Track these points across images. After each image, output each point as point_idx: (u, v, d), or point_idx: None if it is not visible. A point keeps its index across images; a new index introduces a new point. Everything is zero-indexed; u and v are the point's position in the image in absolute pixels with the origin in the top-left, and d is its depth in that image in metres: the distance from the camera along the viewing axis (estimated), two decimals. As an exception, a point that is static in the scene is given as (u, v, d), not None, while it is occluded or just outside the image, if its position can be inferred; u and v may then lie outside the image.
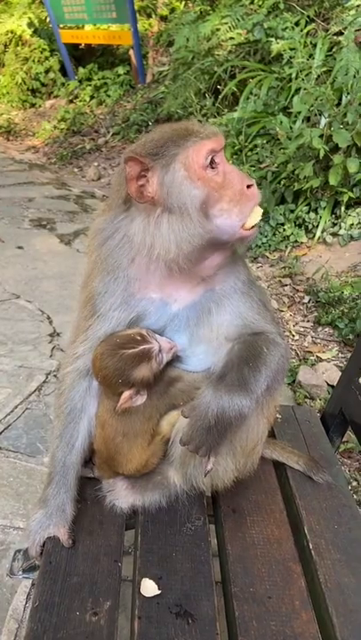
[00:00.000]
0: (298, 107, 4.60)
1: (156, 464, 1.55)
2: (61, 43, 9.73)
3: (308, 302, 4.10)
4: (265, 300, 1.52)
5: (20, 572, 1.55)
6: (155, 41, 9.47)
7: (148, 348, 1.37)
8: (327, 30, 5.34)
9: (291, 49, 5.00)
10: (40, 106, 10.59)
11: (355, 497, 2.52)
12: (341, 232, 4.50)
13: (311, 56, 5.05)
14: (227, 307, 1.43)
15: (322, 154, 4.19)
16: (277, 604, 1.33)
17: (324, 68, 4.88)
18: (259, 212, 1.30)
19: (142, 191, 1.25)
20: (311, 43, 5.17)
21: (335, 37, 5.17)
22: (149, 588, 1.33)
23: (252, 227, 1.29)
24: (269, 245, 4.81)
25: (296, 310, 4.06)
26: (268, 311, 1.50)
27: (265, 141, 5.18)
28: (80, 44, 10.15)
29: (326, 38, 5.14)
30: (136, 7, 8.95)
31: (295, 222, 4.72)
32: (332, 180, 4.22)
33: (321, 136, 4.21)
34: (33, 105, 10.64)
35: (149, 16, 9.95)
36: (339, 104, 4.48)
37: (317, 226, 4.59)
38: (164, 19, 9.65)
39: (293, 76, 5.07)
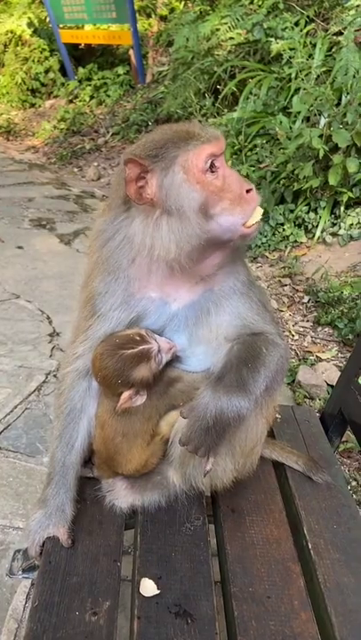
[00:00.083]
0: (297, 107, 4.61)
1: (156, 464, 1.55)
2: (61, 43, 9.73)
3: (308, 302, 4.10)
4: (264, 300, 1.53)
5: (20, 572, 1.56)
6: (154, 41, 9.47)
7: (148, 348, 1.37)
8: (327, 30, 5.34)
9: (290, 49, 5.00)
10: (40, 106, 10.59)
11: (354, 497, 2.52)
12: (341, 232, 4.50)
13: (311, 56, 5.05)
14: (226, 307, 1.43)
15: (321, 154, 4.19)
16: (276, 604, 1.33)
17: (324, 68, 4.88)
18: (259, 211, 1.31)
19: (141, 193, 1.25)
20: (311, 43, 5.17)
21: (335, 37, 5.17)
22: (149, 587, 1.33)
23: (254, 224, 1.29)
24: (269, 245, 4.82)
25: (296, 310, 4.07)
26: (267, 311, 1.50)
27: (265, 141, 5.18)
28: (80, 44, 10.15)
29: (326, 38, 5.14)
30: (136, 7, 8.95)
31: (295, 222, 4.72)
32: (332, 180, 4.22)
33: (321, 136, 4.21)
34: (33, 105, 10.64)
35: (149, 16, 9.95)
36: (338, 104, 4.48)
37: (317, 226, 4.59)
38: (163, 19, 9.65)
39: (293, 75, 5.08)
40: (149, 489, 1.56)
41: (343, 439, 2.42)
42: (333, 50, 5.09)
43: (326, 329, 3.77)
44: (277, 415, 1.95)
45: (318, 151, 4.18)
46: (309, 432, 1.95)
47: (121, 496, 1.54)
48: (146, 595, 1.32)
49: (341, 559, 1.45)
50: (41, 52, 10.26)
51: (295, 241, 4.70)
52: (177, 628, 1.25)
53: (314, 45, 5.12)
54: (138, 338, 1.38)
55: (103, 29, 9.53)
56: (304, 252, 4.62)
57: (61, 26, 9.62)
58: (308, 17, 5.57)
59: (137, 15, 9.07)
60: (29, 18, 10.62)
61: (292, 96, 5.02)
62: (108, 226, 1.40)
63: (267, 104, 5.40)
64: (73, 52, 10.11)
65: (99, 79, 9.77)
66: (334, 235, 4.56)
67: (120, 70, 9.63)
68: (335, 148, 4.23)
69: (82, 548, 1.44)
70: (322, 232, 4.58)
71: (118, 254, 1.39)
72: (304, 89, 4.66)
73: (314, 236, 4.61)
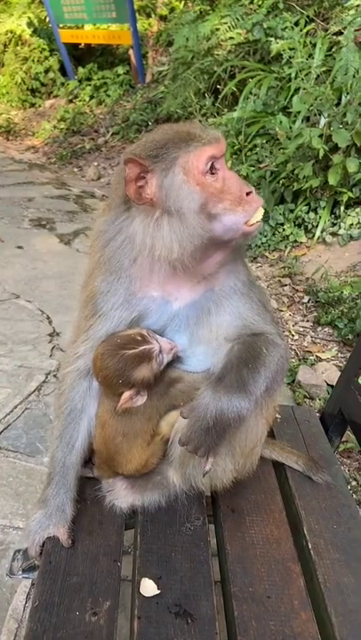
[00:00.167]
0: (297, 106, 4.60)
1: (156, 464, 1.55)
2: (61, 42, 9.73)
3: (308, 302, 4.10)
4: (265, 300, 1.53)
5: (20, 572, 1.56)
6: (154, 41, 9.47)
7: (149, 348, 1.37)
8: (327, 30, 5.34)
9: (290, 49, 5.00)
10: (40, 105, 10.59)
11: (354, 497, 2.52)
12: (341, 232, 4.50)
13: (311, 56, 5.05)
14: (226, 307, 1.44)
15: (321, 153, 4.19)
16: (276, 604, 1.34)
17: (324, 68, 4.88)
18: (261, 211, 1.31)
19: (141, 193, 1.25)
20: (311, 42, 5.17)
21: (335, 37, 5.17)
22: (149, 587, 1.33)
23: (255, 223, 1.30)
24: (269, 245, 4.82)
25: (296, 310, 4.07)
26: (267, 312, 1.50)
27: (264, 141, 5.18)
28: (80, 44, 10.15)
29: (326, 38, 5.14)
30: (136, 7, 8.95)
31: (295, 222, 4.72)
32: (332, 180, 4.22)
33: (320, 136, 4.21)
34: (33, 105, 10.64)
35: (149, 16, 9.95)
36: (338, 104, 4.48)
37: (317, 226, 4.59)
38: (163, 18, 9.65)
39: (293, 75, 5.08)
40: (149, 489, 1.56)
41: (343, 439, 2.42)
42: (333, 50, 5.09)
43: (326, 329, 3.77)
44: (277, 415, 1.96)
45: (318, 151, 4.18)
46: (309, 432, 1.95)
47: (121, 496, 1.54)
48: (146, 595, 1.32)
49: (341, 559, 1.45)
50: (41, 52, 10.26)
51: (295, 241, 4.70)
52: (177, 627, 1.25)
53: (314, 45, 5.12)
54: (139, 338, 1.38)
55: (103, 29, 9.53)
56: (304, 252, 4.62)
57: (61, 25, 9.62)
58: (307, 17, 5.57)
59: (137, 15, 9.08)
60: (29, 17, 10.63)
61: (292, 96, 5.01)
62: (110, 226, 1.40)
63: (267, 104, 5.40)
64: (73, 52, 10.11)
65: (99, 79, 9.77)
66: (334, 234, 4.56)
67: (120, 70, 9.64)
68: (335, 148, 4.23)
69: (82, 548, 1.44)
70: (322, 232, 4.58)
71: (120, 254, 1.39)
72: (304, 89, 4.66)
73: (314, 235, 4.61)
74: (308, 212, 4.66)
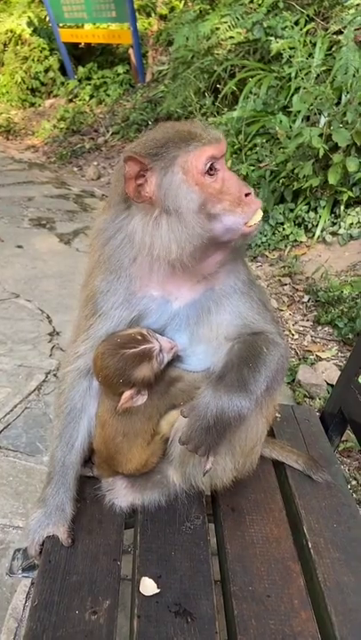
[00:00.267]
0: (297, 106, 4.60)
1: (156, 463, 1.55)
2: (61, 42, 9.72)
3: (308, 301, 4.10)
4: (265, 299, 1.52)
5: (20, 571, 1.56)
6: (154, 40, 9.46)
7: (149, 347, 1.37)
8: (327, 29, 5.33)
9: (290, 48, 5.00)
10: (40, 105, 10.59)
11: (354, 496, 2.52)
12: (341, 231, 4.50)
13: (311, 55, 5.05)
14: (226, 306, 1.43)
15: (321, 153, 4.19)
16: (276, 603, 1.33)
17: (324, 67, 4.88)
18: (259, 213, 1.31)
19: (140, 191, 1.25)
20: (311, 42, 5.17)
21: (335, 36, 5.17)
22: (149, 586, 1.33)
23: (254, 224, 1.29)
24: (269, 244, 4.81)
25: (296, 309, 4.07)
26: (267, 311, 1.50)
27: (264, 140, 5.18)
28: (80, 43, 10.14)
29: (326, 37, 5.14)
30: (136, 6, 8.95)
31: (295, 221, 4.72)
32: (332, 180, 4.22)
33: (320, 135, 4.21)
34: (32, 104, 10.63)
35: (149, 15, 9.95)
36: (338, 103, 4.48)
37: (317, 225, 4.59)
38: (163, 18, 9.64)
39: (293, 75, 5.07)
40: (149, 488, 1.56)
41: (343, 438, 2.42)
42: (333, 49, 5.08)
43: (326, 328, 3.77)
44: (277, 414, 1.95)
45: (318, 150, 4.18)
46: (309, 431, 1.95)
47: (121, 495, 1.54)
48: (146, 594, 1.32)
49: (341, 558, 1.45)
50: (41, 52, 10.26)
51: (295, 240, 4.70)
52: (177, 626, 1.25)
53: (314, 44, 5.12)
54: (139, 337, 1.38)
55: (103, 28, 9.52)
56: (304, 252, 4.61)
57: (61, 25, 9.62)
58: (307, 16, 5.57)
59: (137, 14, 9.07)
60: (29, 17, 10.62)
61: (292, 95, 5.01)
62: (109, 224, 1.39)
63: (267, 103, 5.39)
64: (73, 52, 10.11)
65: (98, 78, 9.76)
66: (334, 234, 4.56)
67: (120, 69, 9.63)
68: (335, 148, 4.22)
69: (82, 547, 1.44)
70: (322, 231, 4.57)
71: (120, 253, 1.38)
72: (304, 88, 4.66)
73: (314, 235, 4.61)
74: (308, 212, 4.66)
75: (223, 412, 1.31)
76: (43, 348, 3.59)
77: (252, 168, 4.97)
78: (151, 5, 9.94)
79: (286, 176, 4.67)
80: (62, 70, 10.31)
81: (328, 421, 2.00)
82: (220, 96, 6.31)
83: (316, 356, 3.52)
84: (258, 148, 5.15)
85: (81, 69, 10.00)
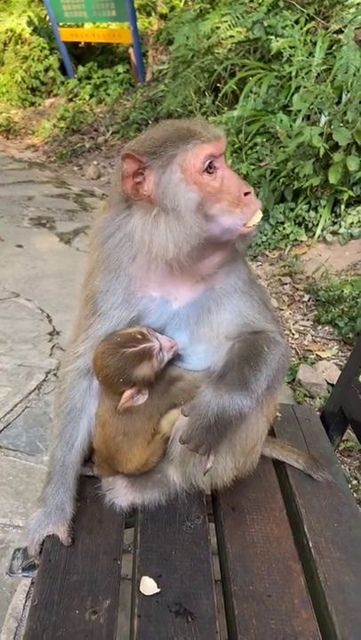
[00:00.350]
0: (298, 105, 4.60)
1: (156, 462, 1.55)
2: (61, 41, 9.72)
3: (308, 301, 4.10)
4: (265, 298, 1.52)
5: (20, 571, 1.56)
6: (154, 39, 9.46)
7: (149, 346, 1.37)
8: (327, 28, 5.33)
9: (291, 47, 4.99)
10: (40, 104, 10.59)
11: (355, 495, 2.52)
12: (341, 230, 4.50)
13: (311, 54, 5.04)
14: (227, 305, 1.43)
15: (322, 152, 4.18)
16: (277, 603, 1.33)
17: (324, 67, 4.87)
18: (259, 213, 1.30)
19: (138, 189, 1.24)
20: (311, 41, 5.16)
21: (335, 35, 5.16)
22: (149, 586, 1.33)
23: (253, 225, 1.29)
24: (269, 244, 4.81)
25: (296, 309, 4.06)
26: (268, 310, 1.50)
27: (265, 140, 5.17)
28: (80, 43, 10.14)
29: (326, 36, 5.13)
30: (136, 5, 8.94)
31: (295, 221, 4.72)
32: (332, 179, 4.21)
33: (321, 134, 4.21)
34: (32, 103, 10.63)
35: (149, 14, 9.95)
36: (339, 102, 4.48)
37: (317, 224, 4.59)
38: (163, 17, 9.64)
39: (293, 74, 5.07)
40: (150, 487, 1.55)
41: (344, 438, 2.42)
42: (334, 48, 5.08)
43: (327, 327, 3.77)
44: (278, 414, 1.95)
45: (319, 149, 4.18)
46: (310, 431, 1.94)
47: (121, 494, 1.54)
48: (146, 593, 1.31)
49: (342, 557, 1.45)
50: (41, 51, 10.26)
51: (295, 239, 4.70)
52: (177, 626, 1.25)
53: (314, 43, 5.11)
54: (139, 336, 1.38)
55: (103, 28, 9.52)
56: (304, 251, 4.61)
57: (61, 24, 9.62)
58: (308, 15, 5.56)
59: (137, 13, 9.07)
60: (29, 16, 10.62)
61: (293, 94, 5.01)
62: (109, 223, 1.39)
63: (267, 102, 5.39)
64: (73, 51, 10.11)
65: (98, 78, 9.76)
66: (335, 233, 4.55)
67: (120, 69, 9.63)
68: (335, 147, 4.22)
69: (82, 546, 1.44)
70: (322, 231, 4.57)
71: (119, 252, 1.38)
72: (304, 87, 4.65)
73: (314, 234, 4.60)
74: (308, 211, 4.66)
75: (224, 411, 1.30)
76: (43, 347, 3.58)
77: (252, 167, 4.96)
78: (151, 4, 9.94)
79: (287, 175, 4.66)
80: (62, 69, 10.31)
81: (329, 421, 2.00)
82: (220, 95, 6.31)
83: (317, 355, 3.52)
84: (258, 148, 5.14)
85: (81, 69, 10.00)
